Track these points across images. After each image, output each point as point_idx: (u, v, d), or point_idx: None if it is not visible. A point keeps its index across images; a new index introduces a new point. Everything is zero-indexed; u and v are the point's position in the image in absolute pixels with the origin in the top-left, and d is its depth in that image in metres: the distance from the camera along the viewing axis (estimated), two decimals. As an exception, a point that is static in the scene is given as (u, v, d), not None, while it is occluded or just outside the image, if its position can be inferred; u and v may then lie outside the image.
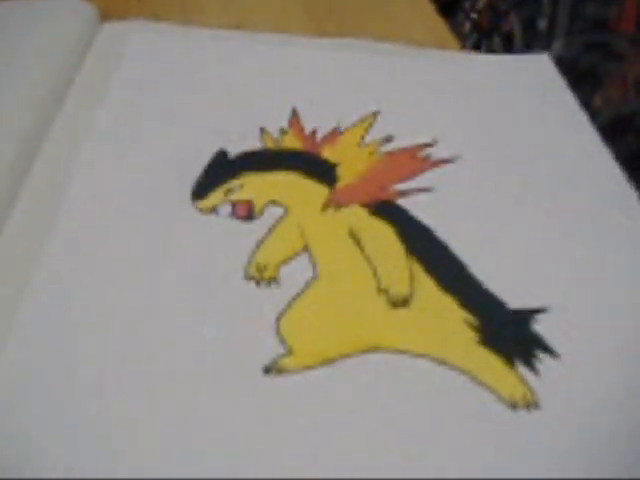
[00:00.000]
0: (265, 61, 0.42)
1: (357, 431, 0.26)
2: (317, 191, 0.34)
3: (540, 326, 0.29)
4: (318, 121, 0.38)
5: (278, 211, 0.34)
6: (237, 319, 0.29)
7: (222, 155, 0.36)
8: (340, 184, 0.35)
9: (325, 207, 0.34)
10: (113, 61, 0.41)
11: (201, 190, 0.34)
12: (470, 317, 0.29)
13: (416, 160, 0.36)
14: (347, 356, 0.28)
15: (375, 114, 0.38)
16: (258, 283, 0.31)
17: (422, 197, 0.34)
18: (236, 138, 0.36)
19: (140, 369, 0.27)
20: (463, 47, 0.49)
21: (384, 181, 0.35)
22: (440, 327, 0.29)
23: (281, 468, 0.25)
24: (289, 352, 0.28)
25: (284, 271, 0.31)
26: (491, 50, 0.68)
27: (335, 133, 0.37)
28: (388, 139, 0.37)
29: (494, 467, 0.25)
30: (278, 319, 0.29)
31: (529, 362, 0.28)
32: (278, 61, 0.42)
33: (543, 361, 0.28)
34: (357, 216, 0.33)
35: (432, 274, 0.31)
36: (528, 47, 0.65)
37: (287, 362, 0.28)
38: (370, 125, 0.38)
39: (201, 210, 0.33)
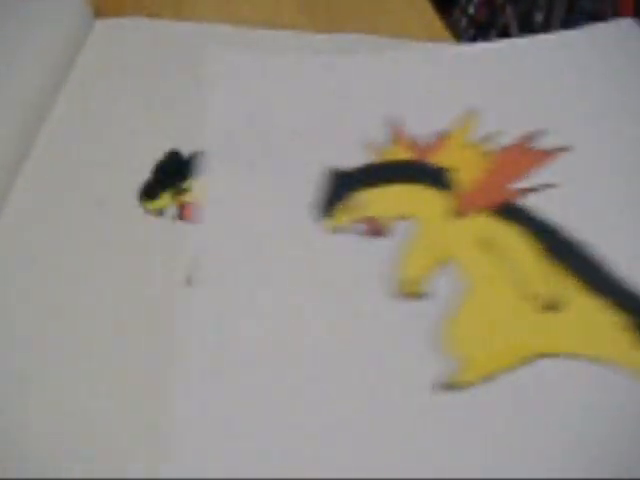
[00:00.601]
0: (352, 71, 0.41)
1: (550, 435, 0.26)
2: (439, 200, 0.34)
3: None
4: (417, 127, 0.37)
5: (404, 225, 0.33)
6: (394, 337, 0.29)
7: (334, 171, 0.35)
8: (460, 190, 0.34)
9: (452, 216, 0.33)
10: (107, 58, 0.41)
11: (324, 209, 0.33)
12: (622, 318, 0.30)
13: (528, 154, 0.36)
14: (517, 365, 0.28)
15: (474, 112, 0.38)
16: (409, 299, 0.30)
17: (544, 194, 0.34)
18: (338, 153, 0.36)
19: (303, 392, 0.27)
20: (459, 43, 0.48)
21: (503, 181, 0.35)
22: (596, 327, 0.30)
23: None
24: (461, 367, 0.28)
25: (434, 284, 0.31)
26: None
27: (439, 137, 0.37)
28: (493, 136, 0.37)
29: None
30: (439, 334, 0.29)
31: None
32: (362, 70, 0.41)
33: None
34: (485, 222, 0.33)
35: (573, 274, 0.31)
36: None
37: (461, 377, 0.28)
38: (473, 124, 0.38)
39: (327, 229, 0.33)
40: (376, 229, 0.33)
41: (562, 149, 0.36)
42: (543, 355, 0.29)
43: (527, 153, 0.36)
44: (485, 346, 0.29)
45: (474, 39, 0.67)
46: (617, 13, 0.59)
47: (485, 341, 0.29)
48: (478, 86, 0.40)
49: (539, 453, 0.26)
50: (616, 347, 0.29)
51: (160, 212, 0.33)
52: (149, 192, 0.34)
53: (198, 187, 0.34)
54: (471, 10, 0.74)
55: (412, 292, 0.31)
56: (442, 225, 0.33)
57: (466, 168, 0.35)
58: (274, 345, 0.29)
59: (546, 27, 0.64)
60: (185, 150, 0.36)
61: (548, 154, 0.36)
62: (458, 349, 0.29)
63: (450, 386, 0.28)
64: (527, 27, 0.65)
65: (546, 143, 0.36)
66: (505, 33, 0.68)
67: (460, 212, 0.34)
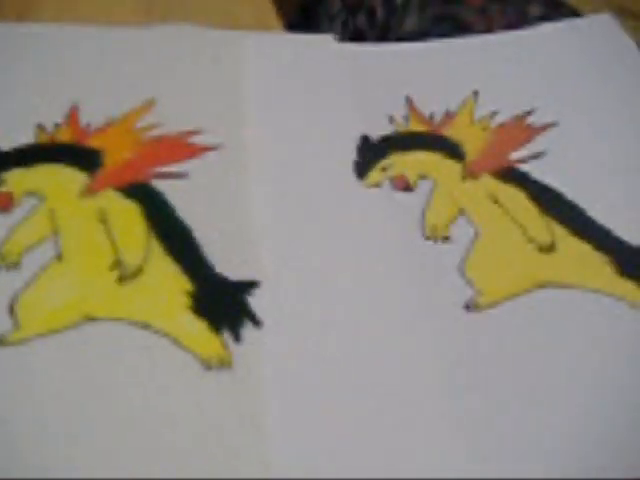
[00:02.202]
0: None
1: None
2: (453, 165, 0.41)
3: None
4: (429, 106, 0.45)
5: (426, 183, 0.41)
6: (428, 270, 0.36)
7: (366, 139, 0.42)
8: (468, 158, 0.42)
9: (464, 178, 0.41)
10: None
11: (361, 170, 0.40)
12: (603, 255, 0.38)
13: (522, 129, 0.44)
14: (526, 291, 0.36)
15: (476, 93, 0.46)
16: (435, 241, 0.38)
17: (536, 160, 0.42)
18: (369, 125, 0.43)
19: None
20: (285, 27, 0.53)
21: (503, 151, 0.42)
22: (583, 263, 0.37)
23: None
24: (480, 291, 0.36)
25: (453, 229, 0.38)
26: (357, 28, 0.67)
27: (449, 115, 0.44)
28: (494, 114, 0.44)
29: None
30: (459, 267, 0.36)
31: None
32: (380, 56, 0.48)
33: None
34: (491, 184, 0.41)
35: (563, 222, 0.39)
36: (387, 22, 0.65)
37: (479, 300, 0.35)
38: (475, 104, 0.45)
39: (365, 186, 0.40)
40: (404, 185, 0.40)
41: (549, 125, 0.44)
42: (542, 285, 0.36)
43: (521, 128, 0.44)
44: (496, 277, 0.36)
45: (345, 23, 0.68)
46: None
47: (495, 273, 0.37)
48: (478, 73, 0.48)
49: (541, 359, 0.34)
50: (600, 278, 0.37)
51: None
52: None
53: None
54: None
55: (437, 235, 0.38)
56: (457, 184, 0.41)
57: (472, 141, 0.43)
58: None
59: (405, 8, 0.64)
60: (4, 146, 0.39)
61: (538, 129, 0.44)
62: (476, 279, 0.36)
63: (471, 307, 0.35)
64: (389, 8, 0.65)
65: (535, 120, 0.44)
66: (371, 14, 0.67)
67: (470, 175, 0.41)
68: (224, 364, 0.31)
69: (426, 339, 0.34)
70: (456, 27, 0.62)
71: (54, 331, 0.32)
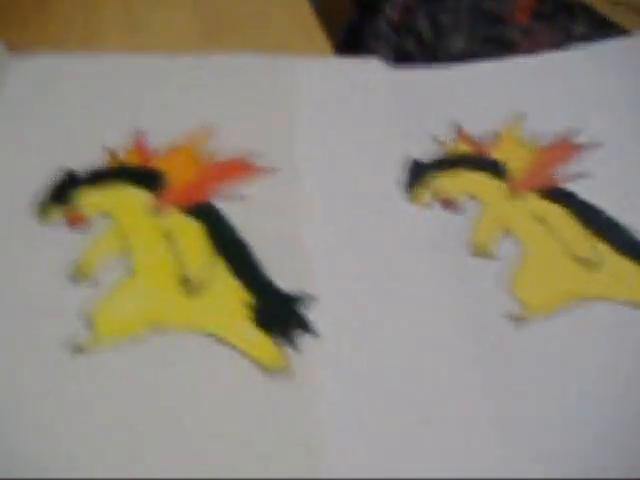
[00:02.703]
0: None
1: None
2: (498, 185, 0.43)
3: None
4: (474, 127, 0.47)
5: (471, 204, 0.42)
6: (474, 286, 0.38)
7: (415, 161, 0.44)
8: (514, 178, 0.43)
9: (510, 197, 0.42)
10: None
11: (410, 190, 0.42)
12: None
13: (567, 149, 0.45)
14: (571, 306, 0.37)
15: (522, 114, 0.47)
16: (482, 257, 0.39)
17: (582, 181, 0.43)
18: (416, 147, 0.45)
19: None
20: (334, 48, 0.54)
21: (548, 170, 0.44)
22: (625, 279, 0.39)
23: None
24: (525, 306, 0.37)
25: (499, 247, 0.40)
26: (404, 49, 0.70)
27: (495, 135, 0.46)
28: (540, 134, 0.46)
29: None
30: (505, 283, 0.38)
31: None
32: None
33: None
34: (537, 203, 0.42)
35: (606, 240, 0.40)
36: (435, 44, 0.68)
37: (525, 313, 0.37)
38: (521, 125, 0.47)
39: (415, 206, 0.42)
40: (450, 206, 0.42)
41: (595, 144, 0.45)
42: (586, 299, 0.38)
43: (566, 148, 0.45)
44: (541, 293, 0.38)
45: (391, 42, 0.70)
46: (514, 12, 0.64)
47: (540, 289, 0.38)
48: (522, 93, 0.49)
49: (583, 365, 0.35)
50: (641, 293, 0.38)
51: (50, 223, 0.39)
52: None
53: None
54: (392, 16, 0.75)
55: (483, 252, 0.40)
56: (502, 204, 0.42)
57: (518, 160, 0.45)
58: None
59: (454, 28, 0.67)
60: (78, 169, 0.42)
61: (584, 148, 0.45)
62: (522, 294, 0.38)
63: (517, 320, 0.37)
64: (437, 30, 0.68)
65: (580, 140, 0.46)
66: (419, 36, 0.71)
67: (515, 194, 0.43)
68: (284, 372, 0.34)
69: (473, 352, 0.35)
70: (502, 47, 0.64)
71: (126, 339, 0.34)
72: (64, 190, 0.41)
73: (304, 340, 0.35)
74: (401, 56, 0.71)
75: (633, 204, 0.42)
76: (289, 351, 0.34)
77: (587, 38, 0.58)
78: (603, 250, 0.40)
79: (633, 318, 0.37)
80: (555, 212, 0.42)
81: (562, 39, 0.61)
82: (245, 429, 0.32)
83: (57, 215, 0.40)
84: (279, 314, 0.36)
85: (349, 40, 0.79)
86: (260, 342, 0.35)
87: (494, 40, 0.64)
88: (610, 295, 0.38)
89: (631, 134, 0.46)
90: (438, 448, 0.32)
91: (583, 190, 0.43)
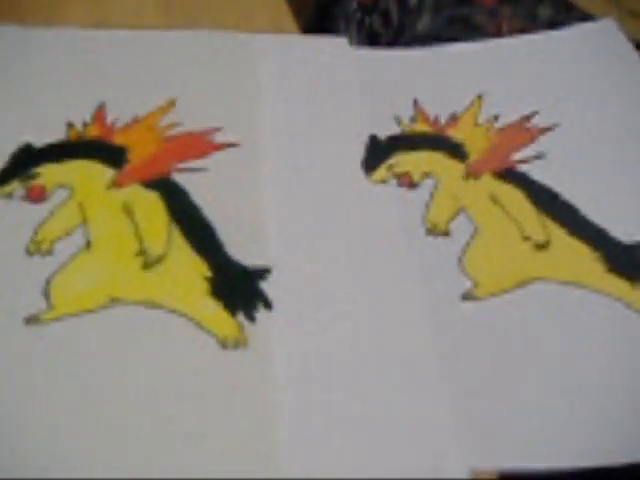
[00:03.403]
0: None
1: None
2: (456, 165, 0.44)
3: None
4: (435, 108, 0.47)
5: (429, 181, 0.43)
6: (429, 263, 0.39)
7: (374, 139, 0.45)
8: (471, 158, 0.44)
9: (466, 177, 0.43)
10: None
11: (368, 167, 0.43)
12: (595, 252, 0.40)
13: (525, 131, 0.46)
14: (520, 286, 0.38)
15: (481, 96, 0.48)
16: (436, 237, 0.40)
17: (537, 163, 0.44)
18: (378, 126, 0.45)
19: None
20: (302, 28, 0.54)
21: (505, 152, 0.45)
22: (576, 260, 0.40)
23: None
24: (476, 283, 0.38)
25: (453, 226, 0.41)
26: (372, 29, 0.68)
27: (454, 117, 0.47)
28: (497, 116, 0.47)
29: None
30: (460, 260, 0.39)
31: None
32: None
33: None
34: (492, 183, 0.43)
35: (558, 221, 0.41)
36: (401, 23, 0.66)
37: (476, 291, 0.38)
38: (480, 107, 0.47)
39: (373, 183, 0.42)
40: (409, 182, 0.43)
41: (551, 127, 0.46)
42: (535, 280, 0.39)
43: (523, 130, 0.46)
44: (492, 272, 0.39)
45: (360, 23, 0.69)
46: None
47: (492, 268, 0.39)
48: (484, 77, 0.50)
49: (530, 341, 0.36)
50: (590, 274, 0.39)
51: (9, 196, 0.40)
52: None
53: (46, 172, 0.41)
54: None
55: (438, 231, 0.40)
56: (458, 183, 0.43)
57: (475, 141, 0.45)
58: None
59: (419, 9, 0.66)
60: (38, 142, 0.42)
61: (540, 131, 0.46)
62: (474, 273, 0.39)
63: (468, 298, 0.38)
64: (403, 10, 0.67)
65: (538, 122, 0.46)
66: (386, 16, 0.68)
67: (472, 174, 0.43)
68: (239, 344, 0.34)
69: (425, 328, 0.36)
70: (467, 29, 0.64)
71: (83, 311, 0.35)
72: (24, 163, 0.41)
73: (260, 313, 0.35)
74: (369, 37, 0.71)
75: (584, 185, 0.43)
76: (246, 324, 0.35)
77: (552, 21, 0.59)
78: (554, 231, 0.41)
79: (581, 298, 0.38)
80: (509, 193, 0.43)
81: (527, 22, 0.61)
82: (200, 402, 0.32)
83: (17, 188, 0.40)
84: (237, 287, 0.36)
85: (317, 21, 0.79)
86: (217, 315, 0.35)
87: (460, 20, 0.65)
88: (559, 276, 0.39)
89: (585, 117, 0.47)
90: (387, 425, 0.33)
91: (538, 172, 0.44)
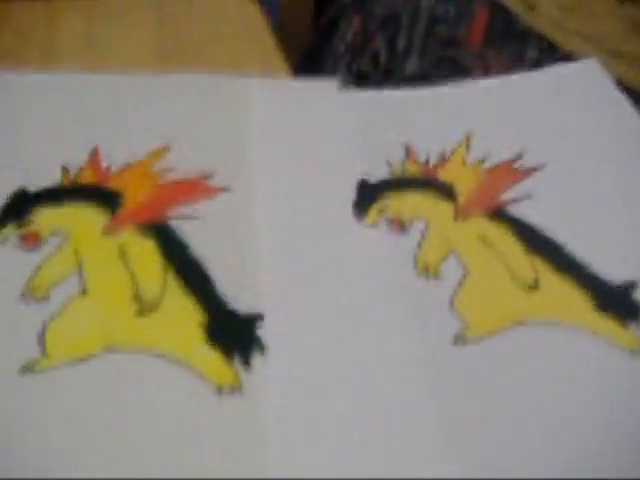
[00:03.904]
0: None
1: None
2: (446, 207, 0.45)
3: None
4: (425, 149, 0.48)
5: (420, 224, 0.44)
6: (420, 306, 0.39)
7: (364, 182, 0.45)
8: (461, 199, 0.45)
9: (456, 218, 0.44)
10: None
11: (359, 211, 0.44)
12: (584, 292, 0.41)
13: (512, 171, 0.47)
14: (510, 328, 0.39)
15: (469, 137, 0.49)
16: (427, 279, 0.41)
17: (526, 203, 0.45)
18: (369, 169, 0.46)
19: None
20: (291, 69, 0.55)
21: (494, 192, 0.45)
22: (565, 300, 0.40)
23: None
24: (468, 326, 0.39)
25: (443, 267, 0.41)
26: (360, 70, 0.71)
27: (443, 158, 0.48)
28: (486, 157, 0.47)
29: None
30: (452, 302, 0.39)
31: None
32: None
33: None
34: (481, 224, 0.44)
35: (548, 261, 0.42)
36: (389, 65, 0.69)
37: (468, 333, 0.38)
38: (468, 147, 0.48)
39: (365, 226, 0.43)
40: (399, 227, 0.43)
41: (538, 167, 0.47)
42: (524, 321, 0.39)
43: (511, 171, 0.47)
44: (482, 314, 0.39)
45: (349, 64, 0.72)
46: (469, 36, 0.66)
47: (482, 310, 0.40)
48: (472, 117, 0.51)
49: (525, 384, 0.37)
50: (579, 314, 0.40)
51: (4, 241, 0.40)
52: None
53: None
54: (348, 38, 0.76)
55: (428, 274, 0.41)
56: (449, 225, 0.44)
57: (464, 182, 0.46)
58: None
59: (407, 51, 0.68)
60: (33, 187, 0.42)
61: (527, 171, 0.47)
62: (465, 315, 0.39)
63: (459, 341, 0.38)
64: (391, 52, 0.69)
65: (525, 163, 0.47)
66: (375, 58, 0.71)
67: (461, 215, 0.44)
68: (235, 389, 0.34)
69: (418, 370, 0.37)
70: (455, 69, 0.66)
71: (78, 360, 0.35)
72: (18, 209, 0.41)
73: (256, 359, 0.36)
74: (358, 78, 0.72)
75: (571, 224, 0.44)
76: (241, 370, 0.35)
77: (538, 63, 0.60)
78: (543, 271, 0.42)
79: (571, 338, 0.38)
80: (499, 234, 0.43)
81: (514, 64, 0.63)
82: (196, 449, 0.32)
83: (11, 234, 0.40)
84: (233, 334, 0.37)
85: (308, 62, 0.80)
86: (213, 361, 0.35)
87: (448, 62, 0.66)
88: (548, 316, 0.39)
89: (571, 157, 0.48)
90: (383, 467, 0.33)
91: (527, 212, 0.44)
